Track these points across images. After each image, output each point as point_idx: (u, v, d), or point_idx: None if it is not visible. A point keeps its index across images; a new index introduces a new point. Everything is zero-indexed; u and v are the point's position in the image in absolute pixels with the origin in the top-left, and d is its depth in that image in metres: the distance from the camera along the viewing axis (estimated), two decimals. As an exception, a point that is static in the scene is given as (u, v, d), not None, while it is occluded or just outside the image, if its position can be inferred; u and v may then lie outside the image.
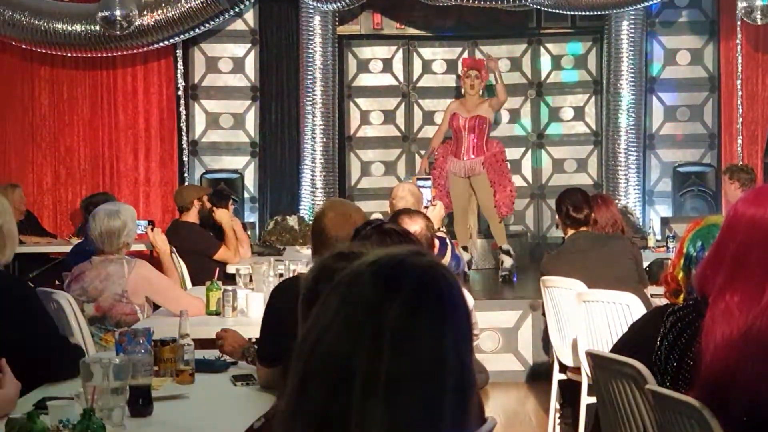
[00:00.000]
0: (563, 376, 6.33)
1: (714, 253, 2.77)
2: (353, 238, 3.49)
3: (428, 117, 12.17)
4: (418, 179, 9.92)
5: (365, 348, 1.43)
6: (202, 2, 10.77)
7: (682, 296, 3.34)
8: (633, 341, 3.17)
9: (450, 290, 1.50)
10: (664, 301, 3.46)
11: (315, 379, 1.45)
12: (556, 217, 6.58)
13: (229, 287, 5.86)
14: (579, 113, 12.18)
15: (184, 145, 11.68)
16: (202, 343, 4.65)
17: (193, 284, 7.45)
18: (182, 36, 11.19)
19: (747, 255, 2.68)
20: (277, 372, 3.86)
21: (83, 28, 10.74)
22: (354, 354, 1.43)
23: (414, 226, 4.82)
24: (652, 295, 6.19)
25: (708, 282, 2.74)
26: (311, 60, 11.32)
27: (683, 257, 3.38)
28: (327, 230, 4.03)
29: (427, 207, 7.30)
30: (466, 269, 9.77)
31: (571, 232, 6.40)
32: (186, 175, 11.63)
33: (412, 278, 1.48)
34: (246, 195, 11.69)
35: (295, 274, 6.01)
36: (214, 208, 8.57)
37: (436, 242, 5.48)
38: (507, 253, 10.17)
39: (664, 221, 10.79)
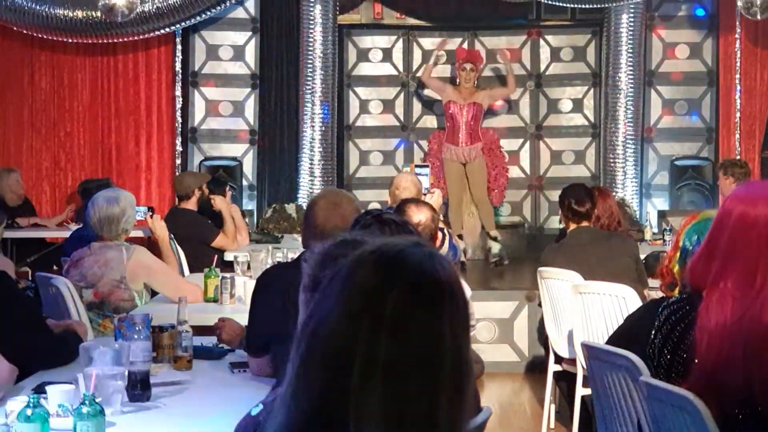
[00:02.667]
0: (558, 368, 6.36)
1: (705, 248, 2.80)
2: (353, 226, 3.52)
3: (427, 107, 12.17)
4: (416, 167, 9.96)
5: (364, 334, 1.46)
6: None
7: (677, 289, 3.37)
8: (628, 333, 3.21)
9: (448, 280, 1.53)
10: (660, 294, 3.49)
11: (315, 364, 1.48)
12: (560, 212, 6.60)
13: (227, 274, 5.88)
14: (578, 105, 12.19)
15: (183, 132, 11.68)
16: (199, 330, 4.67)
17: (191, 271, 7.46)
18: (183, 23, 11.20)
19: (737, 250, 2.71)
20: (266, 361, 3.88)
21: (84, 14, 10.74)
22: (353, 340, 1.46)
23: (420, 215, 4.85)
24: (650, 288, 6.22)
25: (700, 276, 2.78)
26: (311, 49, 11.32)
27: (679, 251, 3.41)
28: (315, 217, 4.05)
29: (425, 194, 7.31)
30: (464, 258, 9.83)
31: (573, 226, 6.42)
32: (185, 162, 11.63)
33: (411, 267, 1.51)
34: (244, 182, 11.70)
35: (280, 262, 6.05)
36: (212, 196, 8.59)
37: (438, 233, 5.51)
38: (495, 239, 10.26)
39: (661, 214, 10.81)
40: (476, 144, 10.67)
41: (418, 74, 11.70)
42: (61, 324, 4.60)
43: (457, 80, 10.96)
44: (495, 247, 10.24)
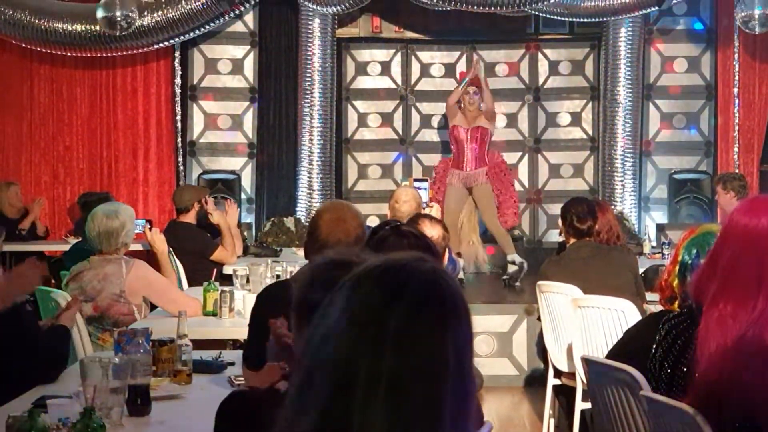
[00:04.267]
0: (558, 381, 6.35)
1: (708, 262, 2.81)
2: (370, 237, 3.55)
3: (426, 120, 12.19)
4: (415, 180, 9.95)
5: (368, 349, 1.46)
6: (202, 3, 10.78)
7: (676, 303, 3.37)
8: (628, 347, 3.20)
9: (452, 295, 1.54)
10: (659, 308, 3.49)
11: (318, 379, 1.48)
12: (559, 222, 6.59)
13: (226, 288, 5.88)
14: (576, 119, 12.20)
15: (182, 146, 11.69)
16: (199, 344, 4.67)
17: (190, 285, 7.46)
18: (182, 37, 11.21)
19: (740, 264, 2.71)
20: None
21: (83, 28, 10.75)
22: (357, 355, 1.46)
23: (433, 232, 4.87)
24: (647, 302, 6.21)
25: (702, 290, 2.78)
26: (310, 62, 11.34)
27: (678, 264, 3.41)
28: (319, 231, 4.05)
29: (424, 208, 7.33)
30: (462, 274, 9.82)
31: (573, 241, 6.42)
32: (183, 175, 11.64)
33: (415, 282, 1.52)
34: (243, 196, 11.70)
35: (281, 279, 6.05)
36: (209, 210, 8.60)
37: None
38: (512, 263, 10.20)
39: (660, 228, 10.81)
40: (481, 168, 10.55)
41: (449, 98, 11.01)
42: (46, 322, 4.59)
43: (461, 104, 10.90)
44: (510, 268, 10.19)
